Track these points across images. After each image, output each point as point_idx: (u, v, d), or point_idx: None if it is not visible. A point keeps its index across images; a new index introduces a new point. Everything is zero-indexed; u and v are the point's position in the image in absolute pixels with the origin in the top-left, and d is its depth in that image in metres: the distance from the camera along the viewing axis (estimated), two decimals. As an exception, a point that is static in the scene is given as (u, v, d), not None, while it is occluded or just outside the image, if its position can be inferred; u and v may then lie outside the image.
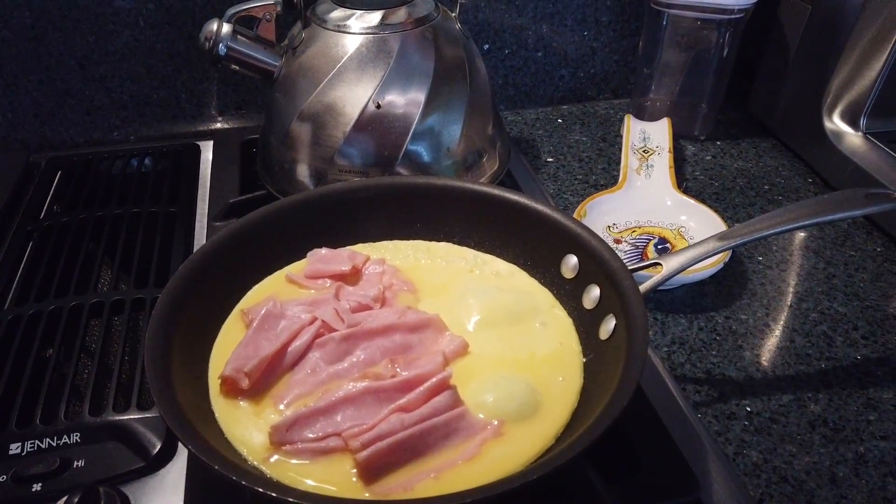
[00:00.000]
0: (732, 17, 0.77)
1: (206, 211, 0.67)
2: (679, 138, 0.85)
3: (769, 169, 0.80)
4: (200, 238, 0.64)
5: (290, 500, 0.32)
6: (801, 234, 0.69)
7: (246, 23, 0.61)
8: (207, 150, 0.78)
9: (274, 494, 0.32)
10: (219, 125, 0.83)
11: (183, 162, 0.75)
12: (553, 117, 0.91)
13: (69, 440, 0.45)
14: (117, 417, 0.46)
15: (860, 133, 0.75)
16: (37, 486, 0.42)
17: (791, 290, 0.62)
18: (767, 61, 0.86)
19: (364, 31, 0.60)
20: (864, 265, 0.65)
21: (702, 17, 0.78)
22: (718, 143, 0.85)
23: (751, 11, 0.77)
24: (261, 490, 0.32)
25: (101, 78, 0.78)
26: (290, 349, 0.45)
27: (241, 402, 0.43)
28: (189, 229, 0.65)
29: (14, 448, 0.44)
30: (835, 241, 0.68)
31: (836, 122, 0.76)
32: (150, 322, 0.42)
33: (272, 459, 0.39)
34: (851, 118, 0.75)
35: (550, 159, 0.82)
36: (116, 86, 0.78)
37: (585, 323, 0.48)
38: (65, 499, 0.39)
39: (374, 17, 0.60)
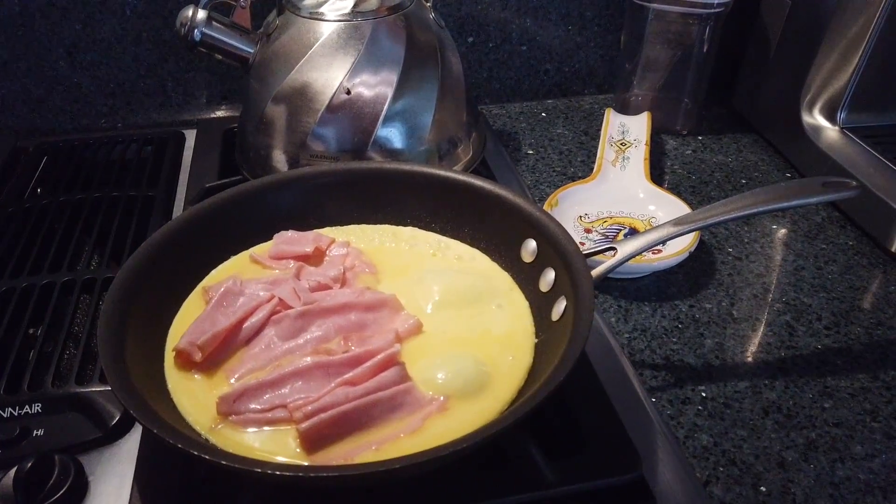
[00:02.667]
0: (713, 10, 0.77)
1: (185, 195, 0.68)
2: (661, 133, 0.86)
3: (748, 163, 0.80)
4: (176, 221, 0.65)
5: (223, 462, 0.33)
6: (774, 227, 0.69)
7: (223, 10, 0.62)
8: (192, 139, 0.79)
9: (207, 457, 0.33)
10: (204, 114, 0.85)
11: (167, 149, 0.76)
12: (537, 111, 0.92)
13: (30, 410, 0.46)
14: (79, 389, 0.47)
15: (837, 127, 0.75)
16: (-7, 455, 0.43)
17: (758, 280, 0.62)
18: (750, 57, 0.86)
19: (337, 19, 0.61)
20: (834, 258, 0.65)
21: (684, 11, 0.78)
22: (700, 137, 0.86)
23: (731, 4, 0.77)
24: (195, 453, 0.33)
25: (88, 66, 0.79)
26: (245, 325, 0.46)
27: (196, 375, 0.44)
28: (167, 213, 0.67)
29: (-23, 416, 0.45)
30: (807, 233, 0.68)
31: (814, 117, 0.76)
32: (107, 295, 0.43)
33: (217, 428, 0.40)
34: (829, 113, 0.75)
35: (531, 152, 0.83)
36: (104, 73, 0.80)
37: (540, 305, 0.48)
38: (16, 467, 0.40)
39: (347, 4, 0.61)
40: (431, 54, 0.63)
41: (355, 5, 0.61)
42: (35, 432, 0.45)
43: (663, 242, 0.50)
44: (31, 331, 0.53)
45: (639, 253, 0.48)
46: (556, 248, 0.48)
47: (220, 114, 0.85)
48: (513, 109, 0.92)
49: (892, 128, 0.75)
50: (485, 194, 0.54)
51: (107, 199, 0.67)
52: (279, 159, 0.64)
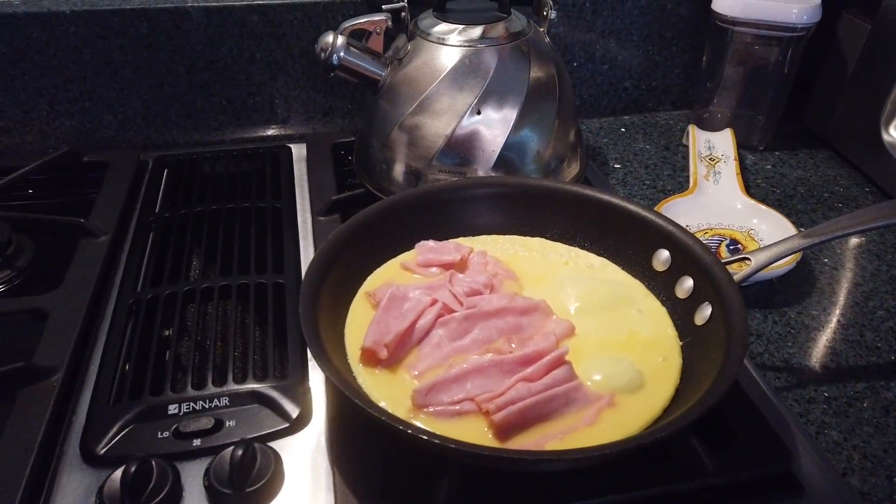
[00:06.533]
0: (795, 34, 0.82)
1: (309, 206, 0.73)
2: (739, 148, 0.90)
3: (827, 178, 0.84)
4: (305, 230, 0.70)
5: (443, 444, 0.37)
6: (862, 238, 0.73)
7: (356, 35, 0.67)
8: (298, 151, 0.84)
9: (438, 442, 0.38)
10: (306, 129, 0.89)
11: (277, 162, 0.81)
12: (616, 126, 0.96)
13: (219, 403, 0.50)
14: (258, 385, 0.52)
15: (918, 145, 0.79)
16: (196, 442, 0.48)
17: (857, 289, 0.66)
18: (825, 75, 0.90)
19: (464, 44, 0.65)
20: (925, 268, 0.69)
21: (765, 34, 0.83)
22: (776, 153, 0.90)
23: (813, 29, 0.81)
24: (436, 441, 0.38)
25: (204, 84, 0.84)
26: (416, 326, 0.50)
27: (377, 371, 0.48)
28: (293, 222, 0.71)
29: (172, 408, 0.50)
30: (894, 245, 0.72)
31: (893, 135, 0.80)
32: (300, 300, 0.47)
33: (412, 419, 0.44)
34: (910, 130, 0.79)
35: (618, 166, 0.87)
36: (217, 91, 0.85)
37: (679, 310, 0.53)
38: (230, 450, 0.45)
39: (475, 32, 0.66)
40: (551, 77, 0.68)
41: (483, 33, 0.65)
42: (227, 423, 0.49)
43: (787, 256, 0.54)
44: (200, 334, 0.58)
45: (772, 262, 0.52)
46: (693, 257, 0.52)
47: (323, 128, 0.89)
48: (592, 125, 0.96)
49: (970, 145, 0.79)
50: (612, 207, 0.58)
51: (238, 209, 0.72)
52: (402, 173, 0.68)
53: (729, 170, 0.78)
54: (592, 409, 0.45)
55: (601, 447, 0.38)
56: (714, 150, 0.82)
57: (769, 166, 0.87)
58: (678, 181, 0.83)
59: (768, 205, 0.73)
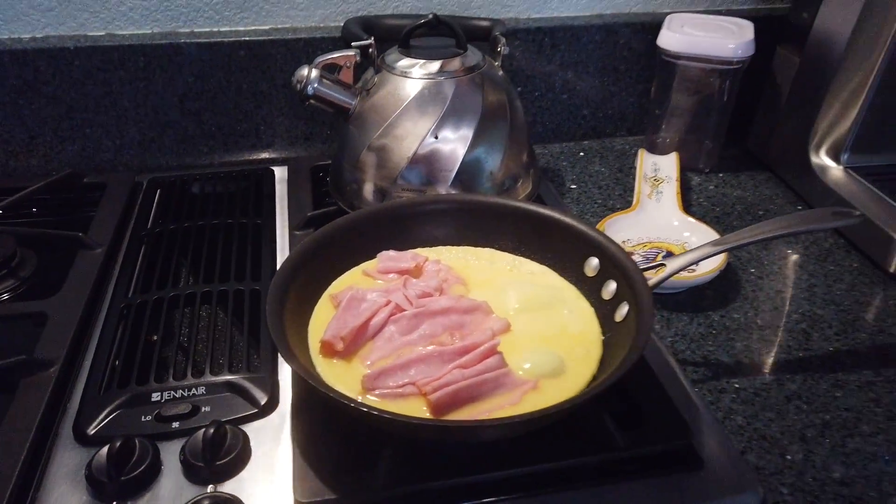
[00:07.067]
0: (732, 66, 0.90)
1: (286, 222, 0.80)
2: (686, 171, 0.98)
3: (764, 198, 0.92)
4: (283, 243, 0.77)
5: (388, 417, 0.44)
6: (789, 251, 0.81)
7: (329, 69, 0.75)
8: (280, 173, 0.92)
9: (376, 413, 0.45)
10: (288, 153, 0.97)
11: (262, 183, 0.89)
12: (576, 151, 1.04)
13: (197, 392, 0.57)
14: (232, 377, 0.59)
15: (841, 167, 0.87)
16: (175, 424, 0.54)
17: (777, 296, 0.73)
18: (764, 104, 0.98)
19: (425, 77, 0.74)
20: (841, 277, 0.76)
21: (706, 67, 0.91)
22: (721, 175, 0.98)
23: (748, 62, 0.90)
24: (375, 413, 0.45)
25: (195, 112, 0.93)
26: (371, 323, 0.57)
27: (335, 361, 0.55)
28: (272, 236, 0.79)
29: (155, 396, 0.57)
30: (818, 257, 0.80)
31: (821, 158, 0.88)
32: (267, 301, 0.54)
33: (361, 400, 0.51)
34: (835, 154, 0.87)
35: (574, 186, 0.95)
36: (208, 119, 0.93)
37: (604, 309, 0.60)
38: (203, 430, 0.52)
39: (434, 66, 0.74)
40: (502, 105, 0.76)
41: (441, 66, 0.74)
42: (203, 408, 0.56)
43: (699, 261, 0.62)
44: (182, 333, 0.65)
45: (684, 268, 0.59)
46: (617, 264, 0.59)
47: (303, 152, 0.98)
48: (554, 149, 1.04)
49: (888, 167, 0.87)
50: (552, 221, 0.66)
51: (222, 225, 0.79)
52: (370, 192, 0.76)
53: (670, 189, 0.86)
54: (518, 391, 0.52)
55: (517, 416, 0.44)
56: (659, 171, 0.90)
57: (712, 186, 0.95)
58: (627, 200, 0.91)
59: (703, 221, 0.81)
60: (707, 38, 0.89)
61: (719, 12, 0.97)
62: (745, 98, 0.97)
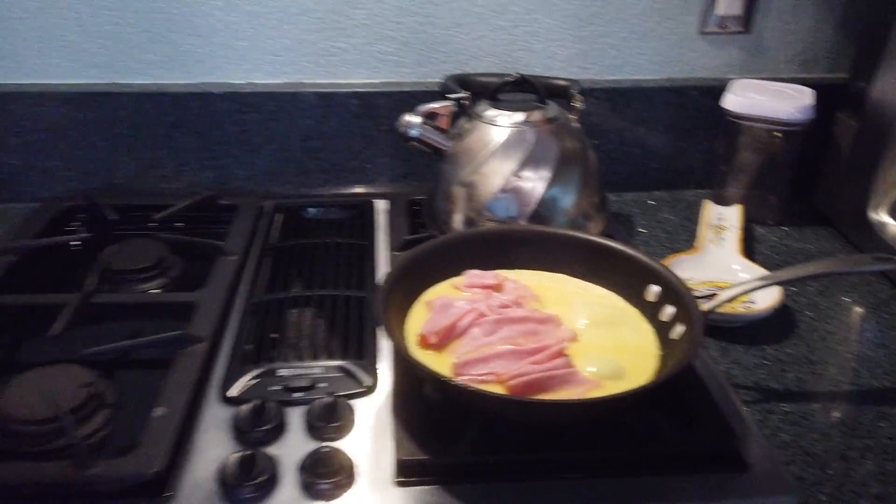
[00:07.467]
0: (792, 128, 0.98)
1: (387, 244, 0.94)
2: (752, 222, 1.05)
3: (824, 251, 0.98)
4: (383, 261, 0.90)
5: (482, 393, 0.54)
6: (846, 299, 0.86)
7: (429, 116, 0.89)
8: (382, 205, 1.05)
9: (471, 389, 0.55)
10: (389, 189, 1.12)
11: (365, 212, 1.03)
12: (646, 200, 1.13)
13: (314, 372, 0.69)
14: (342, 362, 0.70)
15: (899, 224, 0.92)
16: (297, 395, 0.66)
17: (831, 336, 0.79)
18: (827, 164, 1.05)
19: (510, 126, 0.86)
20: (894, 325, 0.81)
21: (768, 128, 1.00)
22: (785, 228, 1.04)
23: (808, 125, 0.98)
24: (471, 389, 0.55)
25: (313, 150, 1.09)
26: (458, 324, 0.68)
27: (429, 352, 0.66)
28: (374, 255, 0.92)
29: (280, 372, 0.69)
30: (874, 305, 0.85)
31: (880, 215, 0.94)
32: (376, 300, 0.66)
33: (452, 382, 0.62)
34: (892, 212, 0.93)
35: (643, 230, 1.04)
36: (324, 157, 1.09)
37: (662, 330, 0.68)
38: (322, 398, 0.63)
39: (519, 116, 0.86)
40: (577, 152, 0.87)
41: (525, 118, 0.86)
42: (320, 385, 0.68)
43: (751, 291, 0.69)
44: (303, 327, 0.78)
45: (734, 297, 0.67)
46: (676, 291, 0.68)
47: (402, 189, 1.11)
48: (627, 197, 1.14)
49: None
50: (619, 252, 0.75)
51: (332, 244, 0.93)
52: (460, 221, 0.88)
53: (733, 237, 0.94)
54: (583, 388, 0.61)
55: (592, 398, 0.54)
56: (723, 220, 0.98)
57: (775, 238, 1.02)
58: (692, 245, 0.99)
59: (760, 264, 0.88)
60: (768, 101, 0.98)
61: (781, 79, 1.05)
62: (809, 158, 1.05)
